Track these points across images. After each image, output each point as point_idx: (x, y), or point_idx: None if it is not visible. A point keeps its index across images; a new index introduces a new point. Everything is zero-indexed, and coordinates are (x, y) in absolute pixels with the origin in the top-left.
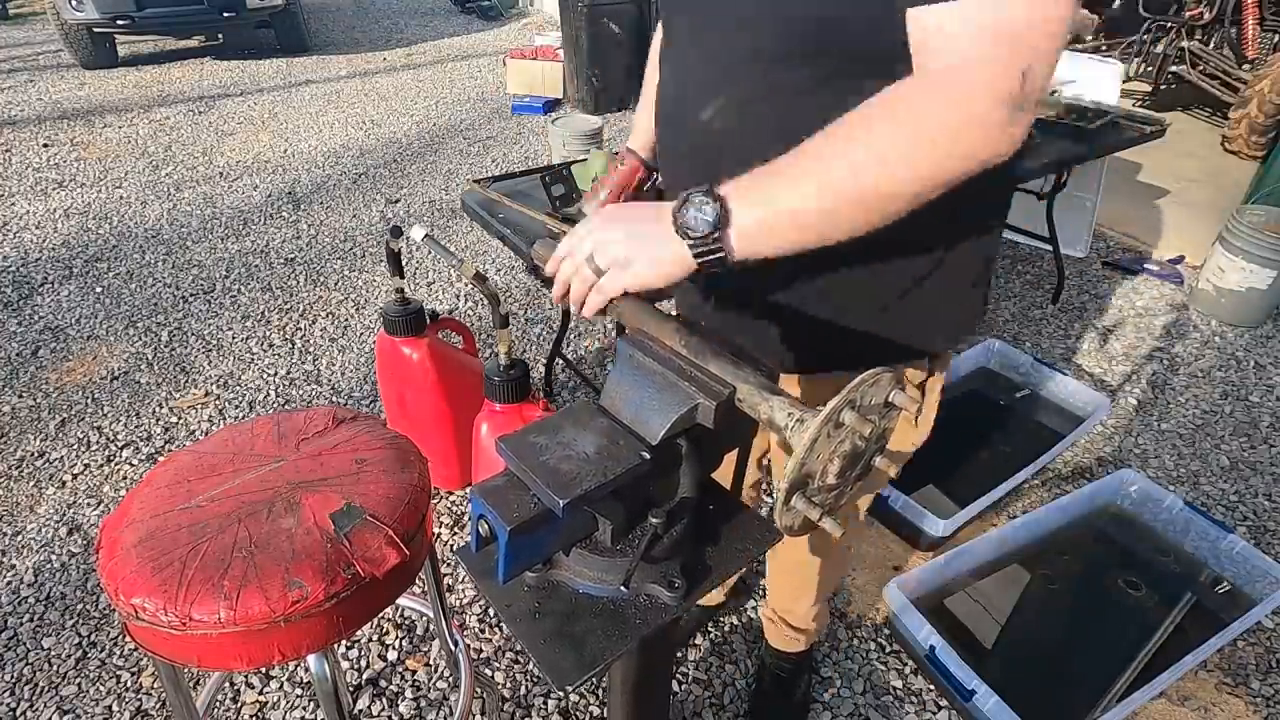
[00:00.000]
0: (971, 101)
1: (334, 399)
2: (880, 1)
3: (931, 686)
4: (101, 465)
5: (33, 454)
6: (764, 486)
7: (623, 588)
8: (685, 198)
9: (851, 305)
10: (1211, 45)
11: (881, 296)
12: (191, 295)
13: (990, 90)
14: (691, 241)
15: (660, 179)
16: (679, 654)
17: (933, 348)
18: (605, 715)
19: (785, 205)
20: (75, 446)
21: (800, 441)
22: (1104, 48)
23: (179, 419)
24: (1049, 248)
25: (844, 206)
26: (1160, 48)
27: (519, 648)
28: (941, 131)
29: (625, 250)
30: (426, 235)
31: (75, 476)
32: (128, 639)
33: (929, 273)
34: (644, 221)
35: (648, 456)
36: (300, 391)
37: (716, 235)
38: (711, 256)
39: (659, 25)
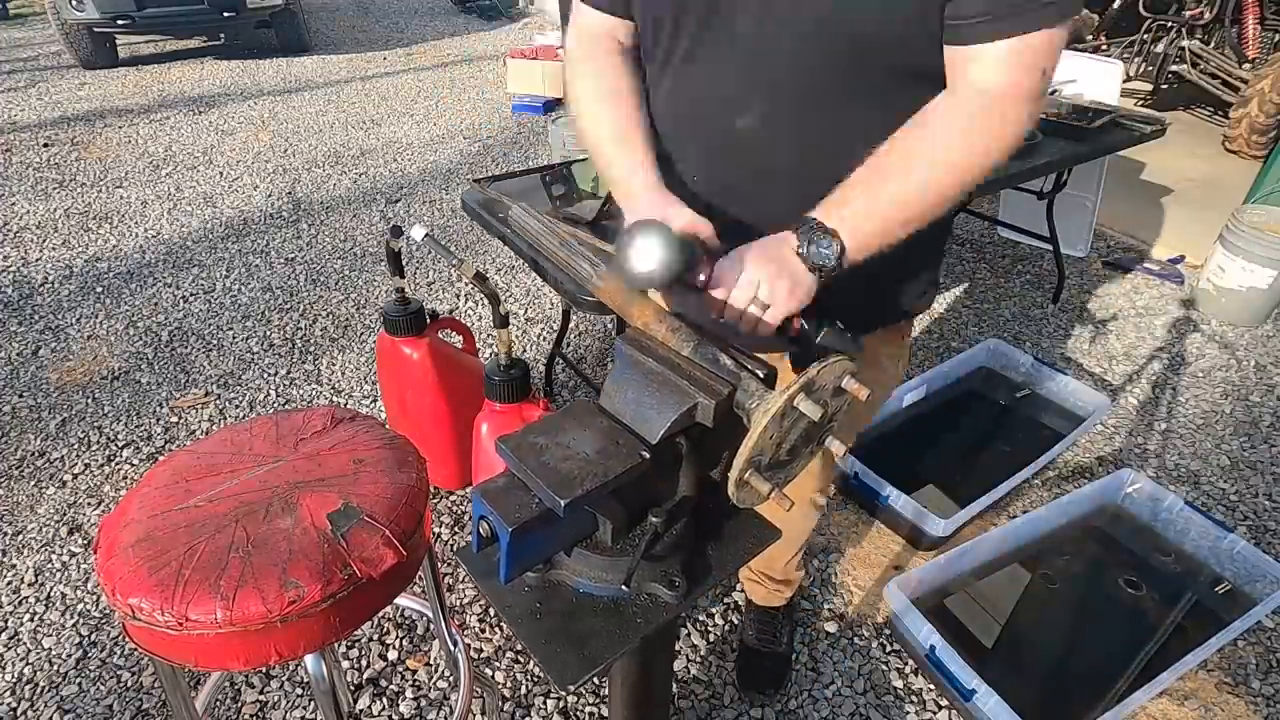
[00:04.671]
0: (1018, 118)
1: (334, 399)
2: (934, 24)
3: (932, 686)
4: (102, 465)
5: (33, 454)
6: None
7: (624, 587)
8: (808, 238)
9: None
10: (1212, 45)
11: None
12: (191, 295)
13: (1025, 97)
14: (820, 274)
15: (688, 175)
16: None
17: (914, 307)
18: (605, 715)
19: (880, 223)
20: (75, 446)
21: (759, 420)
22: (1104, 47)
23: (179, 419)
24: (1049, 248)
25: (925, 212)
26: (1160, 47)
27: (519, 647)
28: (997, 141)
29: (779, 288)
30: (426, 235)
31: (75, 476)
32: (128, 639)
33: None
34: (780, 257)
35: (647, 456)
36: (300, 391)
37: (837, 267)
38: (830, 278)
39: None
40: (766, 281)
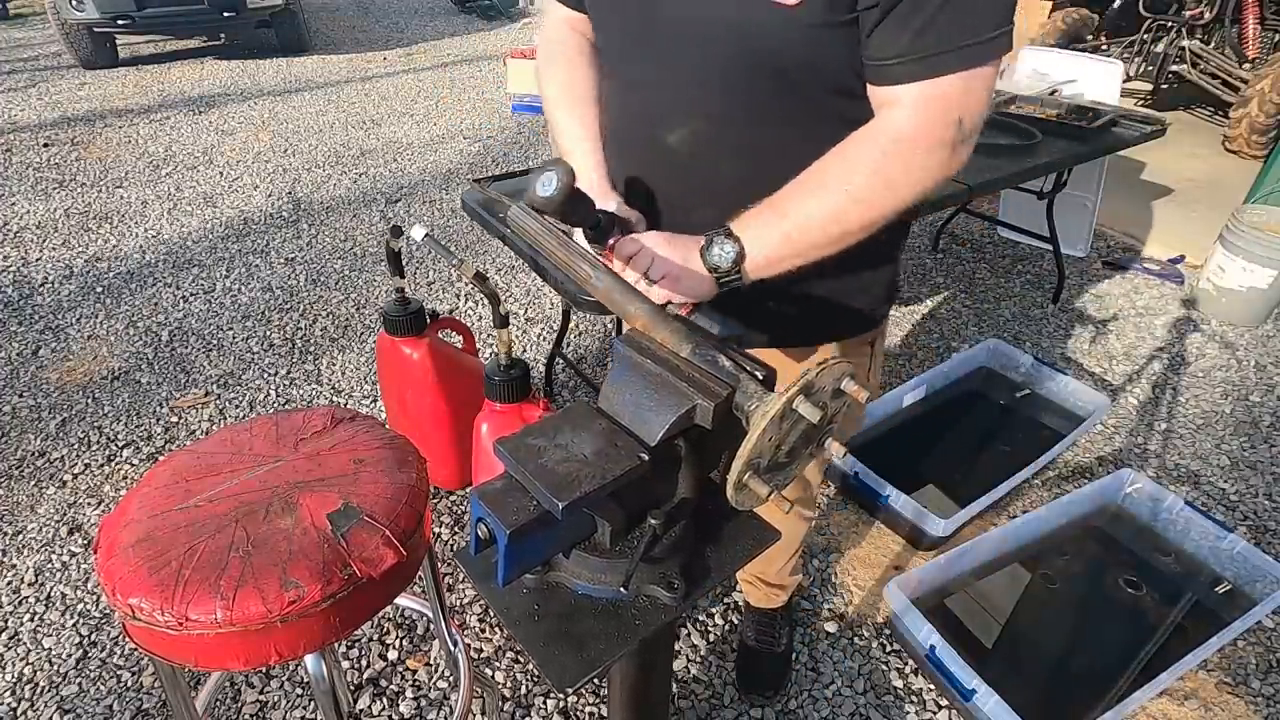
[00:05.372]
0: (926, 164)
1: (334, 399)
2: (840, 48)
3: (932, 686)
4: (102, 465)
5: (33, 453)
6: None
7: (622, 589)
8: (710, 239)
9: (818, 290)
10: (1212, 45)
11: (840, 283)
12: (191, 295)
13: (936, 144)
14: (718, 275)
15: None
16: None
17: (875, 317)
18: (605, 715)
19: (786, 242)
20: (76, 446)
21: (758, 423)
22: (1104, 47)
23: (179, 419)
24: (1049, 247)
25: (831, 239)
26: (1161, 47)
27: (519, 647)
28: (903, 187)
29: (674, 274)
30: (426, 235)
31: (75, 476)
32: (128, 639)
33: (867, 265)
34: (686, 252)
35: (646, 458)
36: (300, 391)
37: (736, 270)
38: (731, 283)
39: (557, 32)
40: (661, 264)
